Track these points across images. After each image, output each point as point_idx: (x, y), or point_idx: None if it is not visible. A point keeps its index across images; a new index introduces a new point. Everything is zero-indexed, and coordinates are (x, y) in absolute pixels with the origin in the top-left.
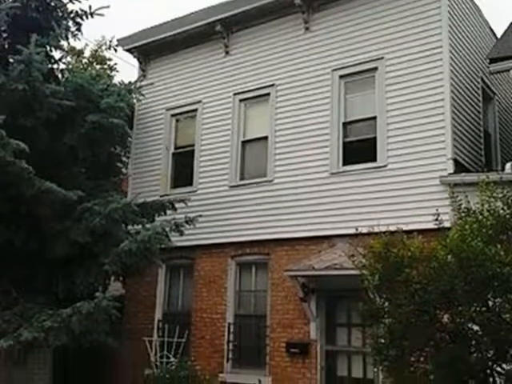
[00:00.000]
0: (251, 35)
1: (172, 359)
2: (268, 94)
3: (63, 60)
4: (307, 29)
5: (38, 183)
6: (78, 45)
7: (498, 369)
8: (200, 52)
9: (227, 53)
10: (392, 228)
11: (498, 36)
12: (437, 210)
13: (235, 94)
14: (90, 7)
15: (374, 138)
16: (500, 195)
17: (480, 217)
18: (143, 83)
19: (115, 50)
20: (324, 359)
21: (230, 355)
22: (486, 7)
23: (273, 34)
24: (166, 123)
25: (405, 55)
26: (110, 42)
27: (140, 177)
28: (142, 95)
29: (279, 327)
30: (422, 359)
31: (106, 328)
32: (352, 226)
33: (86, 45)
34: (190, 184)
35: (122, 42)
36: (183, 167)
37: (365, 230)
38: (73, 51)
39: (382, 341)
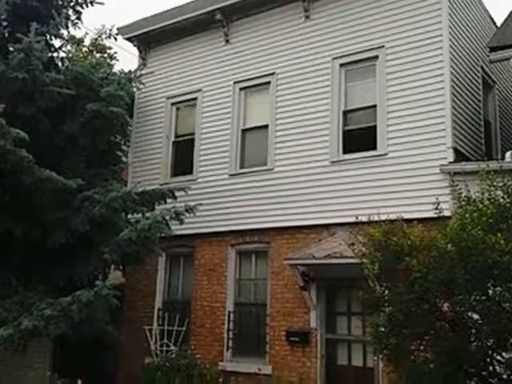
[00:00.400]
0: (251, 24)
1: (172, 348)
2: (268, 83)
3: (63, 49)
4: (307, 17)
5: (37, 172)
6: (77, 33)
7: (498, 357)
8: (200, 41)
9: (227, 41)
10: (392, 217)
11: (498, 25)
12: (437, 198)
13: (235, 83)
14: None
15: (375, 127)
16: (500, 184)
17: (480, 205)
18: (143, 72)
19: (115, 39)
20: (324, 348)
21: (230, 344)
22: None
23: (273, 23)
24: (166, 112)
25: (405, 44)
26: (110, 30)
27: (140, 165)
28: (142, 84)
29: (279, 316)
30: (421, 348)
31: (105, 316)
32: (352, 214)
33: (86, 33)
34: (190, 172)
35: (121, 30)
36: (183, 156)
37: (365, 219)
38: (73, 40)
39: (382, 329)
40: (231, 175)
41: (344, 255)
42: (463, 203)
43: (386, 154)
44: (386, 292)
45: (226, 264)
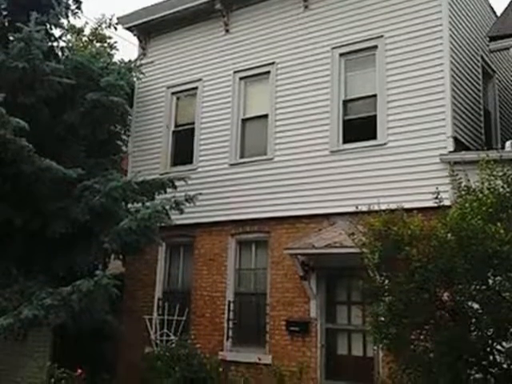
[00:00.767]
0: (251, 13)
1: (172, 337)
2: (268, 72)
3: (63, 38)
4: (306, 7)
5: (37, 161)
6: (78, 23)
7: (498, 347)
8: (200, 30)
9: (227, 31)
10: (392, 206)
11: (498, 14)
12: (437, 188)
13: (235, 72)
14: None
15: (374, 116)
16: (500, 173)
17: (480, 195)
18: (143, 61)
19: (115, 29)
20: (324, 337)
21: (230, 333)
22: None
23: (272, 12)
24: (167, 101)
25: (405, 33)
26: (110, 20)
27: (140, 155)
28: (142, 73)
29: (279, 305)
30: (421, 337)
31: (105, 306)
32: (352, 204)
33: (86, 23)
34: (190, 162)
35: (121, 20)
36: (183, 145)
37: (365, 208)
38: (73, 29)
39: (382, 319)
40: (231, 165)
41: (344, 245)
42: (463, 193)
43: (385, 144)
44: (386, 281)
45: (226, 254)
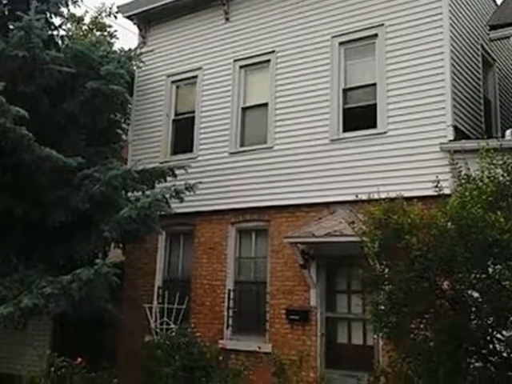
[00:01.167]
0: (251, 2)
1: (172, 326)
2: (268, 61)
3: (63, 27)
4: None
5: (37, 150)
6: (78, 11)
7: (498, 336)
8: (200, 19)
9: (227, 19)
10: (392, 195)
11: (498, 3)
12: (437, 176)
13: (235, 61)
14: None
15: (374, 105)
16: (500, 162)
17: (480, 184)
18: (143, 50)
19: (115, 17)
20: (324, 326)
21: (230, 322)
22: None
23: (273, 1)
24: (167, 90)
25: (405, 22)
26: (110, 8)
27: (140, 143)
28: (142, 62)
29: (279, 294)
30: (421, 326)
31: (105, 295)
32: (352, 192)
33: (86, 12)
34: (191, 151)
35: (121, 8)
36: (183, 134)
37: (365, 197)
38: (73, 18)
39: (382, 307)
40: (231, 153)
41: (344, 233)
42: (463, 181)
43: (385, 132)
44: (386, 270)
45: (226, 242)
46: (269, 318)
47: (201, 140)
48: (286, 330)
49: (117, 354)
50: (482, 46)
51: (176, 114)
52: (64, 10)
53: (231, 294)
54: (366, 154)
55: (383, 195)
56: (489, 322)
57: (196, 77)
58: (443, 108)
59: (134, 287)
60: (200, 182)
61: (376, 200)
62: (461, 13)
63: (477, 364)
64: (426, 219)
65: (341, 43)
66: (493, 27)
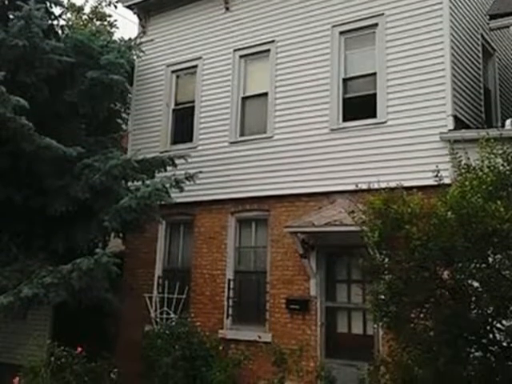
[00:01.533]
0: None
1: (172, 315)
2: (268, 51)
3: (63, 16)
4: None
5: (37, 139)
6: (77, 1)
7: (498, 325)
8: (200, 8)
9: (227, 9)
10: (392, 184)
11: None
12: (437, 166)
13: (235, 51)
14: None
15: (374, 95)
16: (500, 152)
17: (480, 173)
18: (143, 40)
19: (115, 7)
20: (324, 315)
21: (230, 311)
22: None
23: None
24: (166, 79)
25: (405, 11)
26: None
27: (140, 133)
28: (142, 52)
29: (279, 283)
30: (421, 315)
31: (105, 284)
32: (352, 182)
33: (86, 1)
34: (190, 140)
35: None
36: (183, 123)
37: (365, 187)
38: (73, 7)
39: (382, 297)
40: (231, 143)
41: (344, 223)
42: (463, 171)
43: (385, 122)
44: (386, 260)
45: (226, 232)
46: (269, 307)
47: (201, 130)
48: (285, 320)
49: (117, 344)
50: (481, 35)
51: (176, 104)
52: None
53: (231, 283)
54: (366, 143)
55: (383, 185)
56: (489, 312)
57: (196, 66)
58: (443, 98)
59: (134, 277)
60: (200, 172)
61: (376, 189)
62: (461, 2)
63: (477, 353)
64: (426, 209)
65: (341, 33)
66: (493, 17)
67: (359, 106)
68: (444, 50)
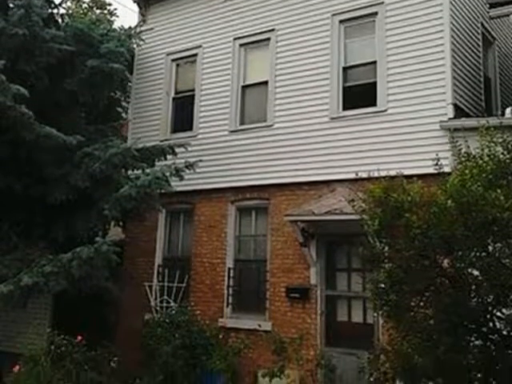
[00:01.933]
0: None
1: (172, 304)
2: (268, 39)
3: (63, 5)
4: None
5: (37, 128)
6: None
7: (498, 314)
8: None
9: None
10: (392, 173)
11: None
12: (437, 154)
13: (235, 39)
14: None
15: (374, 83)
16: (500, 140)
17: (480, 162)
18: (143, 28)
19: None
20: (324, 304)
21: (230, 300)
22: None
23: None
24: (166, 68)
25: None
26: None
27: (140, 122)
28: (142, 40)
29: (279, 272)
30: (421, 304)
31: (105, 273)
32: (352, 170)
33: None
34: (190, 129)
35: None
36: (183, 112)
37: (365, 175)
38: None
39: (382, 286)
40: (231, 131)
41: (344, 211)
42: (463, 159)
43: (385, 111)
44: (386, 248)
45: (226, 220)
46: (269, 296)
47: (201, 118)
48: (286, 309)
49: (117, 332)
50: (481, 24)
51: (176, 93)
52: None
53: (231, 272)
54: (366, 132)
55: (383, 173)
56: (489, 300)
57: (196, 55)
58: (443, 86)
59: (134, 265)
60: (200, 160)
61: (376, 178)
62: None
63: (477, 342)
64: (426, 197)
65: (341, 21)
66: (493, 5)
67: (359, 94)
68: (444, 39)
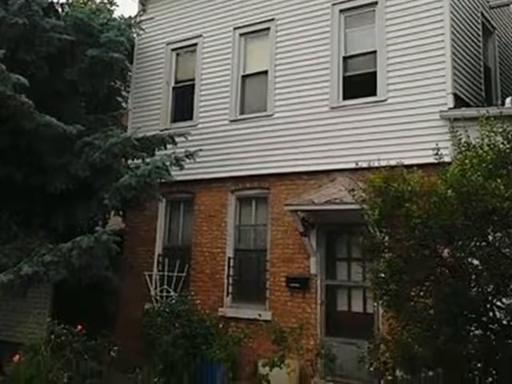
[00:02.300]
0: None
1: (172, 293)
2: (268, 29)
3: None
4: None
5: (37, 117)
6: None
7: (498, 303)
8: None
9: None
10: (392, 162)
11: None
12: (437, 144)
13: (235, 29)
14: None
15: (374, 73)
16: (500, 130)
17: (480, 151)
18: (143, 18)
19: None
20: (324, 294)
21: (230, 289)
22: None
23: None
24: (167, 57)
25: None
26: None
27: (140, 111)
28: (142, 30)
29: (279, 262)
30: (421, 294)
31: (105, 262)
32: (352, 160)
33: None
34: (191, 118)
35: None
36: (183, 101)
37: (365, 165)
38: None
39: (382, 275)
40: (231, 121)
41: (344, 201)
42: (463, 149)
43: (385, 100)
44: (386, 238)
45: (226, 210)
46: (269, 285)
47: (201, 108)
48: (286, 298)
49: (117, 322)
50: (482, 13)
51: (176, 82)
52: None
53: (231, 261)
54: (366, 121)
55: (383, 163)
56: (489, 290)
57: (196, 44)
58: (443, 76)
59: (134, 255)
60: (200, 150)
61: (376, 168)
62: None
63: (477, 332)
64: (426, 187)
65: (341, 11)
66: None
67: (359, 84)
68: (444, 28)
